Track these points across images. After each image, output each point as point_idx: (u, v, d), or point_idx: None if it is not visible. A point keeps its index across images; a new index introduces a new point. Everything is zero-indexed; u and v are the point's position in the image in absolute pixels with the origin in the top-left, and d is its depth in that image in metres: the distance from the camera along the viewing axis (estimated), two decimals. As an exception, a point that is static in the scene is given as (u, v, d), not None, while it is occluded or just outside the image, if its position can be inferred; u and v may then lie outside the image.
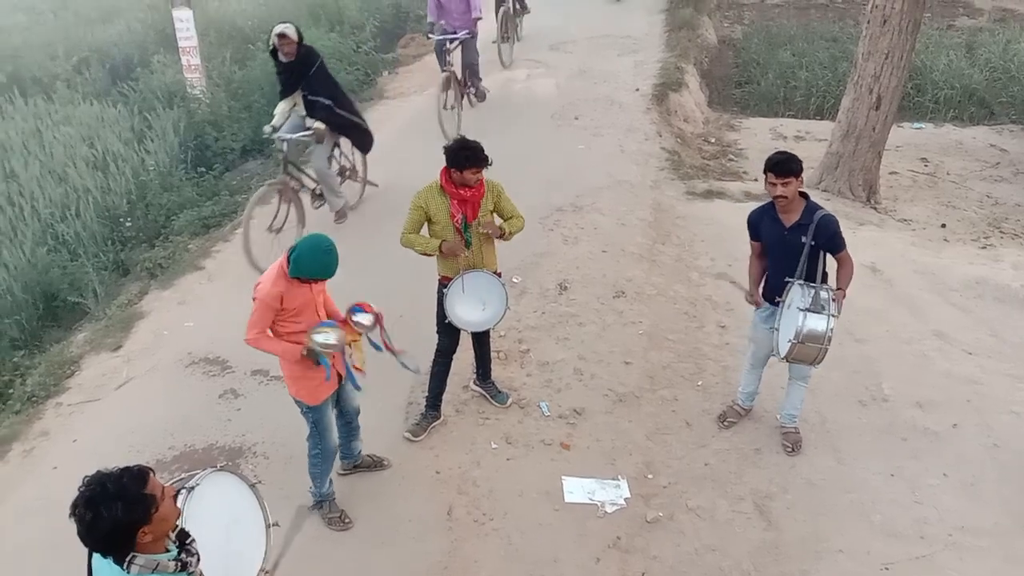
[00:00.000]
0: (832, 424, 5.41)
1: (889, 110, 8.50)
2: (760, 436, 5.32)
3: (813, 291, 4.58)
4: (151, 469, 2.41)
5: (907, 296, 6.85)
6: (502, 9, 11.99)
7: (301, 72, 7.11)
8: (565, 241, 7.56)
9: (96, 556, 2.40)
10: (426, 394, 5.37)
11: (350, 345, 4.34)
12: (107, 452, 5.00)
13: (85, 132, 9.67)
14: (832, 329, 4.52)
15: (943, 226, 8.48)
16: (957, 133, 11.03)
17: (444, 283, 5.02)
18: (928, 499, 4.81)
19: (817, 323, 4.51)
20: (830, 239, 4.65)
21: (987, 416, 5.46)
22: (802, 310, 4.53)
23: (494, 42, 12.08)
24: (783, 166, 4.57)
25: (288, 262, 4.05)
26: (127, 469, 2.35)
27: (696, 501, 4.84)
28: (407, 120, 10.48)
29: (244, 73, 11.63)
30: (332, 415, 4.51)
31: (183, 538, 2.54)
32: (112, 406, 5.71)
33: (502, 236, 4.96)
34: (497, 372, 5.72)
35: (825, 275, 4.70)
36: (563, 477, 4.99)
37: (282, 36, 6.95)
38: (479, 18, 9.98)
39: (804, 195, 4.73)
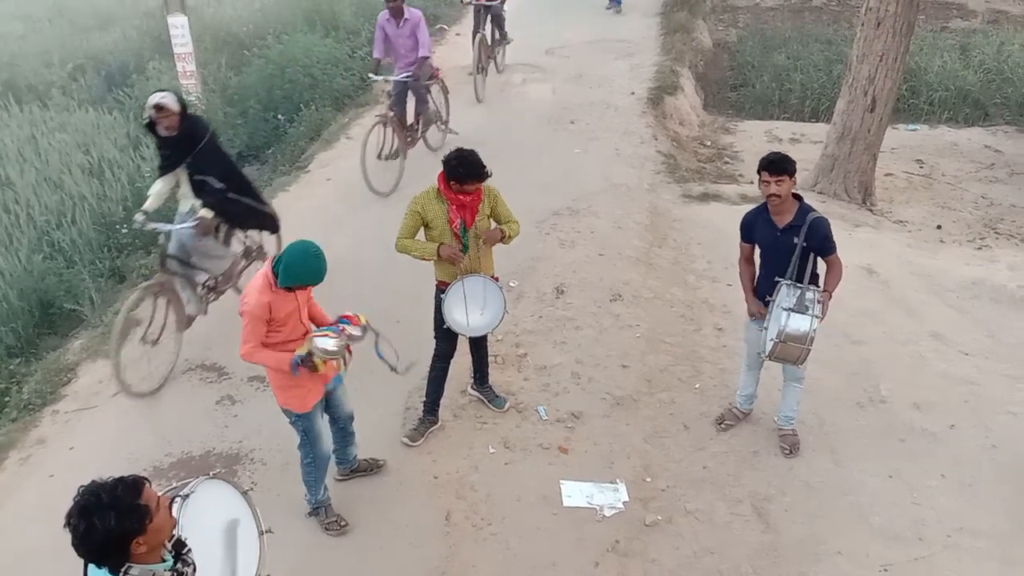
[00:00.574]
0: (830, 426, 5.41)
1: (884, 112, 8.53)
2: (758, 439, 5.32)
3: (799, 291, 4.62)
4: (146, 479, 2.40)
5: (903, 297, 6.86)
6: (478, 37, 11.04)
7: (186, 148, 5.75)
8: (562, 245, 7.56)
9: (92, 566, 2.39)
10: (424, 399, 5.36)
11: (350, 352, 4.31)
12: (104, 459, 4.99)
13: (81, 139, 9.67)
14: (815, 330, 4.55)
15: (939, 227, 8.51)
16: (952, 135, 11.06)
17: (441, 288, 5.01)
18: (926, 500, 4.81)
19: (800, 323, 4.55)
20: (821, 241, 4.68)
21: (984, 417, 5.47)
22: (786, 310, 4.57)
23: (470, 74, 11.17)
24: (776, 164, 4.62)
25: (275, 274, 4.04)
26: (121, 479, 2.34)
27: (694, 504, 4.84)
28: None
29: (240, 79, 11.65)
30: (322, 422, 4.50)
31: (179, 548, 2.53)
32: (109, 413, 5.69)
33: (503, 239, 4.96)
34: (495, 376, 5.71)
35: (815, 276, 4.74)
36: (561, 481, 4.99)
37: (160, 108, 5.61)
38: (426, 57, 8.57)
39: (798, 197, 4.77)
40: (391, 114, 8.49)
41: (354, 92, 11.94)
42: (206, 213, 5.76)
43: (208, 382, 5.92)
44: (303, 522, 4.64)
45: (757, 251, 5.02)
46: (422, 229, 4.93)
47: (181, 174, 5.89)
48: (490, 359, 5.61)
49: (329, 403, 4.53)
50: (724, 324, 6.44)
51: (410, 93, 8.81)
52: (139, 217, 5.80)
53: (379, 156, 8.42)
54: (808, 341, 4.56)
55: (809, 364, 5.67)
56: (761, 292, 4.93)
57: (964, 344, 6.24)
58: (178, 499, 2.68)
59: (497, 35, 11.71)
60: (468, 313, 5.01)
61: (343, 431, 4.75)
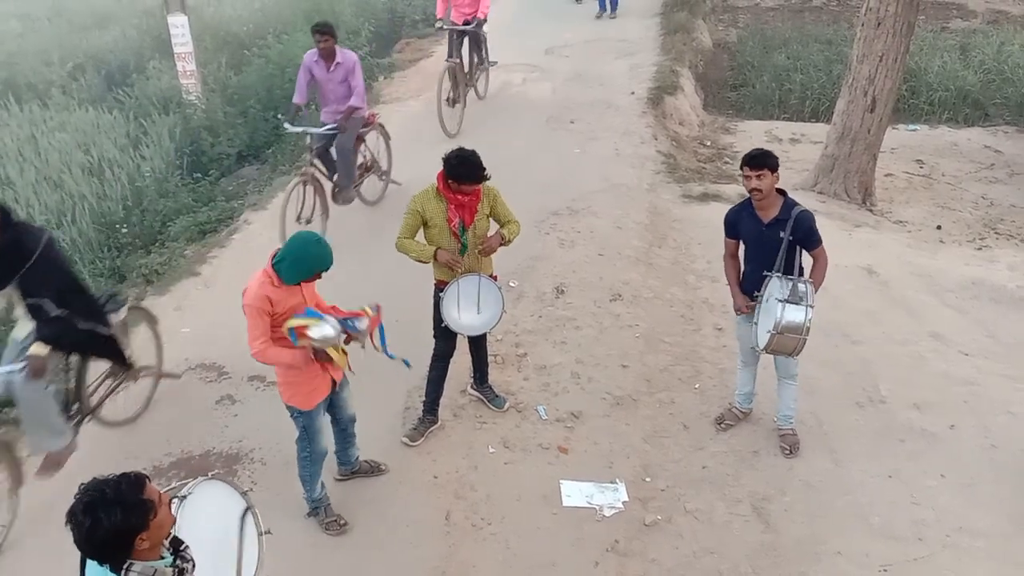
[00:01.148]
0: (829, 426, 5.41)
1: (884, 112, 8.53)
2: (757, 438, 5.32)
3: (791, 283, 4.65)
4: (148, 476, 2.41)
5: (903, 298, 6.86)
6: (447, 64, 9.90)
7: (12, 264, 4.35)
8: (561, 245, 7.56)
9: (90, 564, 2.39)
10: (423, 399, 5.36)
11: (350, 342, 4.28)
12: (103, 458, 4.98)
13: (81, 138, 9.65)
14: (811, 320, 4.59)
15: (939, 228, 8.51)
16: (952, 135, 11.06)
17: (440, 287, 5.01)
18: (926, 500, 4.82)
19: (796, 314, 4.58)
20: (806, 234, 4.74)
21: (984, 417, 5.47)
22: (781, 301, 4.59)
23: (446, 100, 9.95)
24: (756, 160, 4.69)
25: (277, 272, 4.03)
26: (125, 475, 2.35)
27: (694, 504, 4.84)
28: (403, 124, 10.45)
29: (240, 79, 11.64)
30: (323, 419, 4.50)
31: (176, 545, 2.54)
32: (108, 412, 5.68)
33: (503, 243, 4.97)
34: (494, 376, 5.71)
35: (802, 270, 4.79)
36: (561, 481, 4.99)
37: None
38: (356, 108, 7.44)
39: (782, 192, 4.83)
40: (312, 171, 7.37)
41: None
42: (38, 350, 4.45)
43: (208, 381, 5.92)
44: (302, 522, 4.64)
45: (741, 247, 5.06)
46: (422, 228, 4.93)
47: (13, 293, 4.55)
48: (490, 359, 5.61)
49: (333, 404, 4.54)
50: (724, 324, 6.44)
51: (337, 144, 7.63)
52: None
53: (298, 219, 7.08)
54: (804, 331, 4.60)
55: (808, 363, 5.71)
56: (748, 287, 4.97)
57: (964, 344, 6.24)
58: (176, 499, 2.69)
59: (476, 59, 10.58)
60: (467, 312, 5.01)
61: (344, 432, 4.76)
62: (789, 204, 4.77)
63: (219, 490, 2.97)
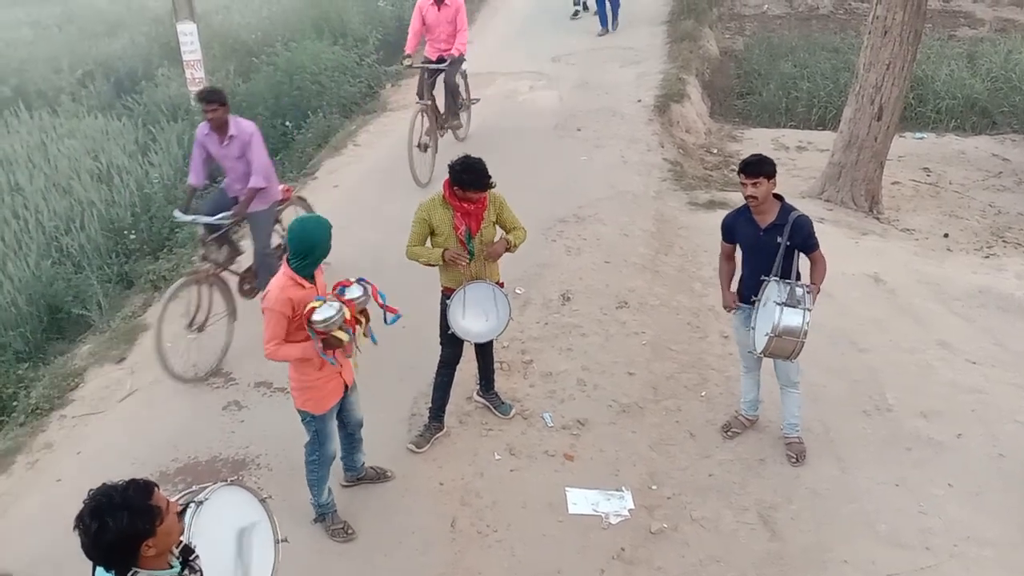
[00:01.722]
0: (836, 434, 5.40)
1: (891, 120, 8.52)
2: (764, 446, 5.31)
3: (789, 287, 4.68)
4: (156, 483, 2.41)
5: (910, 306, 6.84)
6: (417, 107, 8.76)
7: None
8: (568, 252, 7.57)
9: (99, 572, 2.39)
10: (429, 405, 5.37)
11: (359, 322, 4.26)
12: (111, 464, 5.00)
13: (89, 145, 9.73)
14: (808, 323, 4.61)
15: (946, 236, 8.49)
16: (959, 143, 11.04)
17: (447, 294, 5.02)
18: (933, 509, 4.80)
19: (793, 318, 4.60)
20: (805, 239, 4.76)
21: (991, 426, 5.44)
22: (779, 304, 4.61)
23: (417, 145, 8.77)
24: (752, 167, 4.71)
25: (298, 272, 4.09)
26: (132, 481, 2.36)
27: (700, 512, 4.83)
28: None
29: (248, 86, 11.69)
30: (334, 423, 4.51)
31: (187, 555, 2.54)
32: (116, 418, 5.71)
33: (509, 249, 4.98)
34: (500, 383, 5.72)
35: (799, 274, 4.80)
36: (567, 488, 4.98)
37: None
38: (258, 189, 6.13)
39: (779, 197, 4.85)
40: (207, 267, 6.07)
41: (361, 99, 12.01)
42: None
43: (215, 387, 5.94)
44: (309, 528, 4.65)
45: (738, 252, 5.08)
46: (430, 236, 4.95)
47: None
48: (496, 365, 5.61)
49: (342, 408, 4.55)
50: (730, 332, 6.41)
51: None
52: None
53: (190, 325, 6.03)
54: (802, 335, 4.62)
55: (815, 371, 5.70)
56: (746, 291, 4.98)
57: (971, 353, 6.22)
58: (192, 504, 2.69)
59: (452, 101, 9.37)
60: (473, 319, 5.02)
61: (351, 437, 4.77)
62: (786, 209, 4.80)
63: (237, 496, 2.97)
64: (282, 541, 3.00)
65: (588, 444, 5.35)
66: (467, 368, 5.50)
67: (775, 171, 4.75)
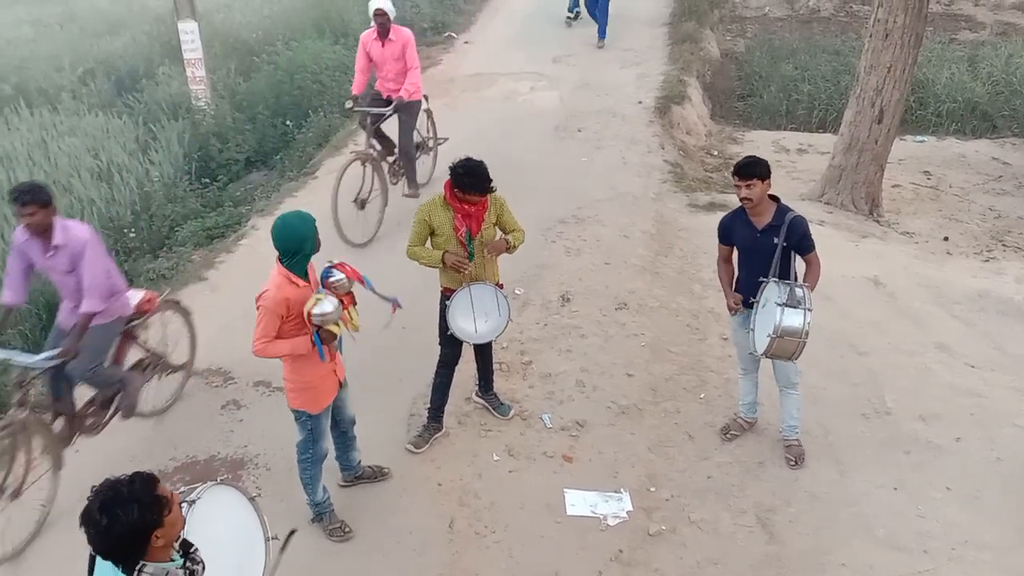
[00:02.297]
0: (835, 437, 5.39)
1: (891, 123, 8.52)
2: (763, 449, 5.31)
3: (788, 287, 4.68)
4: (157, 476, 2.43)
5: (910, 309, 6.85)
6: (352, 155, 7.62)
7: None
8: (567, 253, 7.57)
9: (99, 566, 2.40)
10: (428, 406, 5.36)
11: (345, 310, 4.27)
12: (108, 463, 4.99)
13: (90, 143, 9.72)
14: (809, 323, 4.60)
15: (946, 239, 8.49)
16: (959, 146, 11.04)
17: (447, 295, 5.02)
18: (931, 512, 4.79)
19: (794, 318, 4.60)
20: (800, 240, 4.77)
21: (990, 429, 5.44)
22: (779, 305, 4.61)
23: (354, 201, 7.53)
24: (746, 169, 4.73)
25: (293, 270, 4.08)
26: (137, 474, 2.39)
27: (699, 514, 4.83)
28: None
29: (249, 85, 11.70)
30: (328, 421, 4.52)
31: (186, 548, 2.56)
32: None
33: (508, 250, 4.98)
34: (499, 384, 5.72)
35: (796, 275, 4.82)
36: (565, 489, 4.98)
37: None
38: (91, 315, 4.74)
39: (775, 198, 4.85)
40: (31, 417, 4.75)
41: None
42: None
43: (213, 386, 5.93)
44: (306, 528, 4.63)
45: (735, 253, 5.08)
46: (430, 237, 4.95)
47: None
48: (495, 366, 5.61)
49: (334, 405, 4.54)
50: (730, 334, 6.43)
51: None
52: None
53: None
54: (803, 335, 4.62)
55: (814, 374, 5.70)
56: (744, 293, 4.98)
57: (970, 356, 6.22)
58: (184, 504, 2.70)
59: (403, 147, 8.06)
60: (472, 320, 5.02)
61: (344, 435, 4.76)
62: (782, 210, 4.81)
63: (227, 495, 2.98)
64: (272, 539, 3.00)
65: (587, 445, 5.35)
66: (466, 369, 5.50)
67: (769, 173, 4.76)
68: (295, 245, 4.06)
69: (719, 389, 5.86)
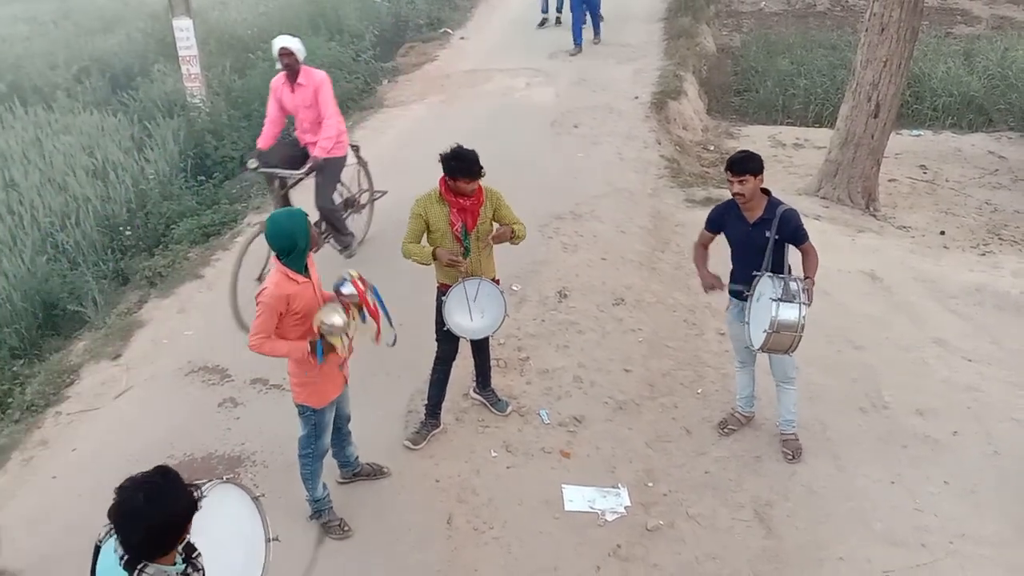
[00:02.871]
0: (832, 431, 5.40)
1: (888, 117, 8.52)
2: (760, 444, 5.32)
3: (783, 281, 4.67)
4: None
5: (906, 303, 6.85)
6: (256, 232, 6.14)
7: None
8: (564, 249, 7.56)
9: (101, 565, 2.39)
10: (425, 402, 5.36)
11: (353, 318, 4.29)
12: (106, 461, 4.99)
13: (85, 141, 9.69)
14: (804, 317, 4.61)
15: (942, 233, 8.50)
16: (956, 140, 11.06)
17: (443, 291, 5.01)
18: (929, 507, 4.80)
19: (790, 312, 4.60)
20: (793, 232, 4.77)
21: (987, 423, 5.45)
22: (774, 300, 4.61)
23: (258, 279, 5.97)
24: (739, 165, 4.73)
25: (290, 266, 4.08)
26: (160, 467, 2.42)
27: (696, 509, 4.83)
28: (406, 128, 10.50)
29: (244, 82, 11.66)
30: (332, 417, 4.51)
31: (189, 552, 2.54)
32: (111, 415, 5.70)
33: (513, 239, 4.95)
34: (497, 380, 5.71)
35: (789, 268, 4.81)
36: (563, 485, 4.98)
37: None
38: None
39: (767, 192, 4.85)
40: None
41: (358, 96, 11.98)
42: None
43: (210, 384, 5.92)
44: (305, 525, 4.64)
45: (722, 244, 5.08)
46: (426, 232, 4.93)
47: None
48: (492, 363, 5.61)
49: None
50: (726, 328, 6.43)
51: None
52: None
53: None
54: (800, 328, 4.62)
55: (811, 369, 5.71)
56: (737, 286, 4.98)
57: (967, 350, 6.23)
58: None
59: (333, 229, 7.00)
60: (469, 316, 5.01)
61: (339, 432, 4.75)
62: (773, 203, 4.81)
63: (230, 493, 2.97)
64: (273, 540, 2.99)
65: (584, 441, 5.35)
66: (463, 365, 5.49)
67: (762, 168, 4.76)
68: (288, 243, 4.06)
69: (716, 384, 5.87)
